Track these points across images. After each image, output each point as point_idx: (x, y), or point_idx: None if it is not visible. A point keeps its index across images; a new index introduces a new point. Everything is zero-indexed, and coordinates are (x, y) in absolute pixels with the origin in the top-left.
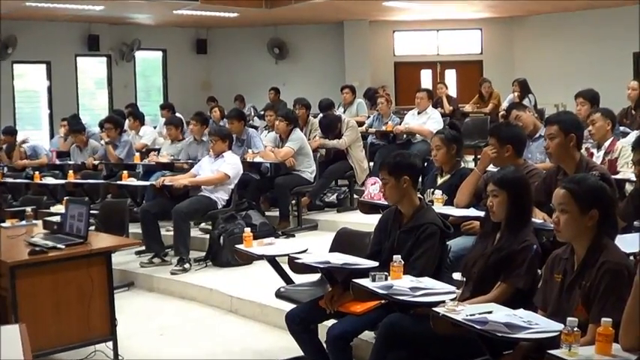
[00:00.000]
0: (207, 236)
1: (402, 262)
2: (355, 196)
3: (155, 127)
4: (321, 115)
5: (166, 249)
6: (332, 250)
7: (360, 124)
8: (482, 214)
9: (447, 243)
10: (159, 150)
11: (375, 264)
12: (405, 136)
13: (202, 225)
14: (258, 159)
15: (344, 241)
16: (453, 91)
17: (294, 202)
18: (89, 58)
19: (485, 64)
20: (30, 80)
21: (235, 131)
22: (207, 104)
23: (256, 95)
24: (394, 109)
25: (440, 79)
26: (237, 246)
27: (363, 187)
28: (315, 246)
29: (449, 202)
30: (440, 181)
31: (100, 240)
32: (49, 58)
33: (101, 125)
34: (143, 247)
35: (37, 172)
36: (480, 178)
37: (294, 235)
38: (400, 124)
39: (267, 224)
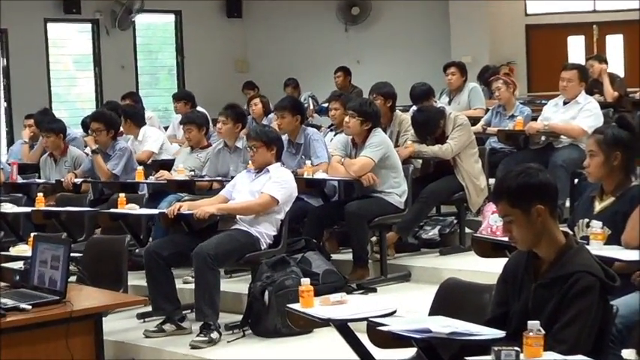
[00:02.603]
0: (244, 291)
1: (542, 332)
2: (468, 230)
3: (166, 129)
4: (414, 108)
5: (184, 310)
6: (433, 311)
7: (475, 120)
8: None
9: (612, 303)
10: (172, 162)
11: (501, 334)
12: (543, 138)
13: (223, 276)
14: (320, 174)
15: (451, 299)
16: (618, 68)
17: (374, 239)
18: (66, 24)
19: None
20: None
21: (287, 131)
22: (243, 93)
23: (317, 79)
24: (525, 97)
25: (598, 50)
26: (289, 306)
27: (479, 217)
28: (407, 306)
29: (614, 240)
30: (599, 207)
31: (85, 297)
32: (4, 25)
33: (86, 125)
34: (149, 308)
35: None
36: None
37: (375, 290)
38: (536, 120)
39: (334, 273)
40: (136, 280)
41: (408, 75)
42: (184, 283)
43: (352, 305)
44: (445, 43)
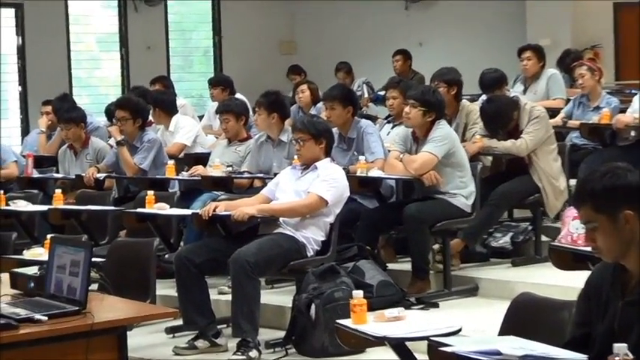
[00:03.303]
0: (288, 304)
1: (630, 357)
2: (544, 238)
3: (200, 118)
4: (483, 97)
5: (219, 325)
6: (504, 331)
7: (554, 112)
8: None
9: None
10: (207, 156)
11: (582, 358)
12: (633, 133)
13: (264, 286)
14: (375, 172)
15: (525, 317)
16: None
17: (436, 247)
18: (89, 0)
19: None
20: None
21: (337, 124)
22: (288, 79)
23: (372, 64)
24: (612, 86)
25: None
26: (339, 321)
27: (557, 223)
28: (473, 323)
29: None
30: None
31: (108, 308)
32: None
33: (110, 114)
34: (180, 321)
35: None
36: None
37: (437, 305)
38: (624, 112)
39: (391, 285)
40: (165, 289)
41: (477, 60)
42: (220, 294)
43: (411, 322)
44: (520, 24)
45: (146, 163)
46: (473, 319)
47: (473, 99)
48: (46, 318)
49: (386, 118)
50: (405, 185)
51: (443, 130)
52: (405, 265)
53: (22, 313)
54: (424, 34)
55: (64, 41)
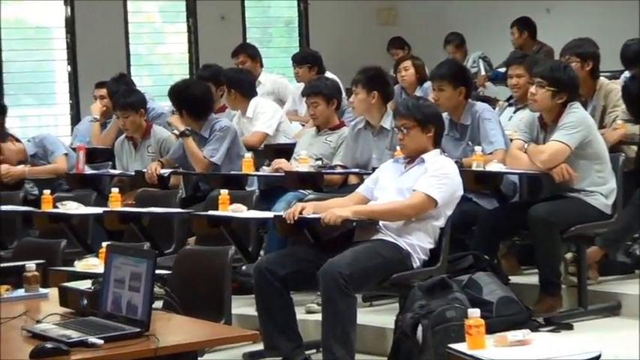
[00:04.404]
0: (390, 325)
1: None
2: None
3: (284, 103)
4: (626, 74)
5: (307, 350)
6: None
7: None
8: None
9: None
10: (292, 147)
11: None
12: None
13: (361, 304)
14: (494, 166)
15: None
16: None
17: (569, 256)
18: None
19: None
20: (31, 9)
21: (447, 108)
22: (388, 54)
23: (489, 35)
24: None
25: None
26: (451, 346)
27: None
28: (615, 349)
29: None
30: None
31: (175, 329)
32: None
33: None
34: (260, 346)
35: (46, 191)
36: None
37: (570, 326)
38: None
39: (513, 302)
40: (243, 307)
41: (617, 29)
42: (308, 313)
43: (538, 347)
44: None
45: (218, 155)
46: (614, 344)
47: (613, 76)
48: (102, 341)
49: (507, 100)
50: (530, 181)
51: (577, 114)
52: (531, 279)
53: (74, 335)
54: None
55: (121, 13)
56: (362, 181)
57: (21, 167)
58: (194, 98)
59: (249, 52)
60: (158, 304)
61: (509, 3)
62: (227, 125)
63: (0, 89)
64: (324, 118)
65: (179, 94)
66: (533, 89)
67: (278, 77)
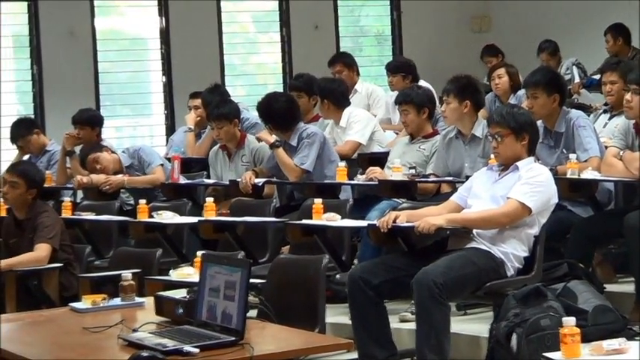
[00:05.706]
0: (484, 334)
1: None
2: None
3: (375, 111)
4: None
5: (402, 358)
6: None
7: None
8: None
9: None
10: (385, 156)
11: None
12: None
13: (455, 312)
14: (589, 173)
15: None
16: None
17: None
18: None
19: None
20: (126, 21)
21: (541, 116)
22: (482, 62)
23: (584, 41)
24: None
25: None
26: (546, 355)
27: None
28: None
29: None
30: None
31: (270, 338)
32: None
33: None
34: (355, 354)
35: (142, 201)
36: None
37: None
38: None
39: (609, 311)
40: (337, 316)
41: None
42: (402, 322)
43: (635, 355)
44: None
45: (308, 162)
46: None
47: None
48: (197, 350)
49: (604, 107)
50: (626, 189)
51: None
52: (627, 287)
53: (170, 344)
54: None
55: (215, 22)
56: (455, 189)
57: (120, 176)
58: (276, 112)
59: (345, 60)
60: (252, 312)
61: (604, 9)
62: (314, 132)
63: (96, 100)
64: (415, 126)
65: (263, 110)
66: (628, 96)
67: (373, 86)
